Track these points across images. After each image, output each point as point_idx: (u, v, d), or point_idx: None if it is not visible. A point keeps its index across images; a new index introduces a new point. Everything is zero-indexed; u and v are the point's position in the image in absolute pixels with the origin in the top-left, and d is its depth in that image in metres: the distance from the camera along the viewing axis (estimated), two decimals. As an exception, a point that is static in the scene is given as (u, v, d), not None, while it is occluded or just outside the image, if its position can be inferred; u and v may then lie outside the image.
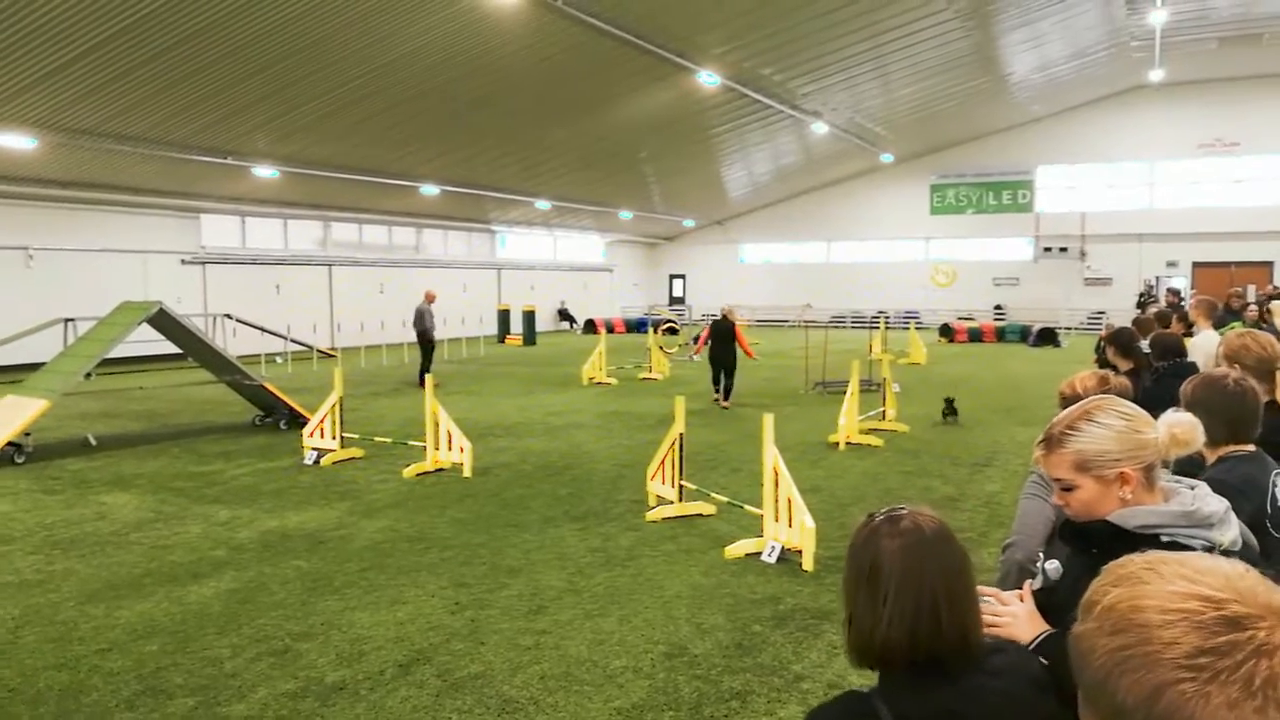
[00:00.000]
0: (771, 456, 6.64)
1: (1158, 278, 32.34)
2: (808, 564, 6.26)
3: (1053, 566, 1.97)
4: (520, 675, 4.67)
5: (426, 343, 18.01)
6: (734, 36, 18.59)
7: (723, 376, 14.72)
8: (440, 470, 9.63)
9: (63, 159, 18.71)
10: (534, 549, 6.85)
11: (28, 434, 10.37)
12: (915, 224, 37.89)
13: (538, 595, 5.84)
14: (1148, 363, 5.57)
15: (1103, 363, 6.55)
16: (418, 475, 9.46)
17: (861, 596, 1.59)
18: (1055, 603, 1.89)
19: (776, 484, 6.60)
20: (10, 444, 10.12)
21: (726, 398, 14.63)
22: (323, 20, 14.25)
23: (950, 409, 12.78)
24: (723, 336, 14.69)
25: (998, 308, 36.34)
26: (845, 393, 11.38)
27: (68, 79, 14.88)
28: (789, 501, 6.47)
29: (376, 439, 11.07)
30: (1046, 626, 1.86)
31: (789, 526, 6.47)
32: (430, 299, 18.45)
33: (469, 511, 8.03)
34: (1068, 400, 2.91)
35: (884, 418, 12.13)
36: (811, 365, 17.57)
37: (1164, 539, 1.76)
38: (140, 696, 4.48)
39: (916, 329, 25.30)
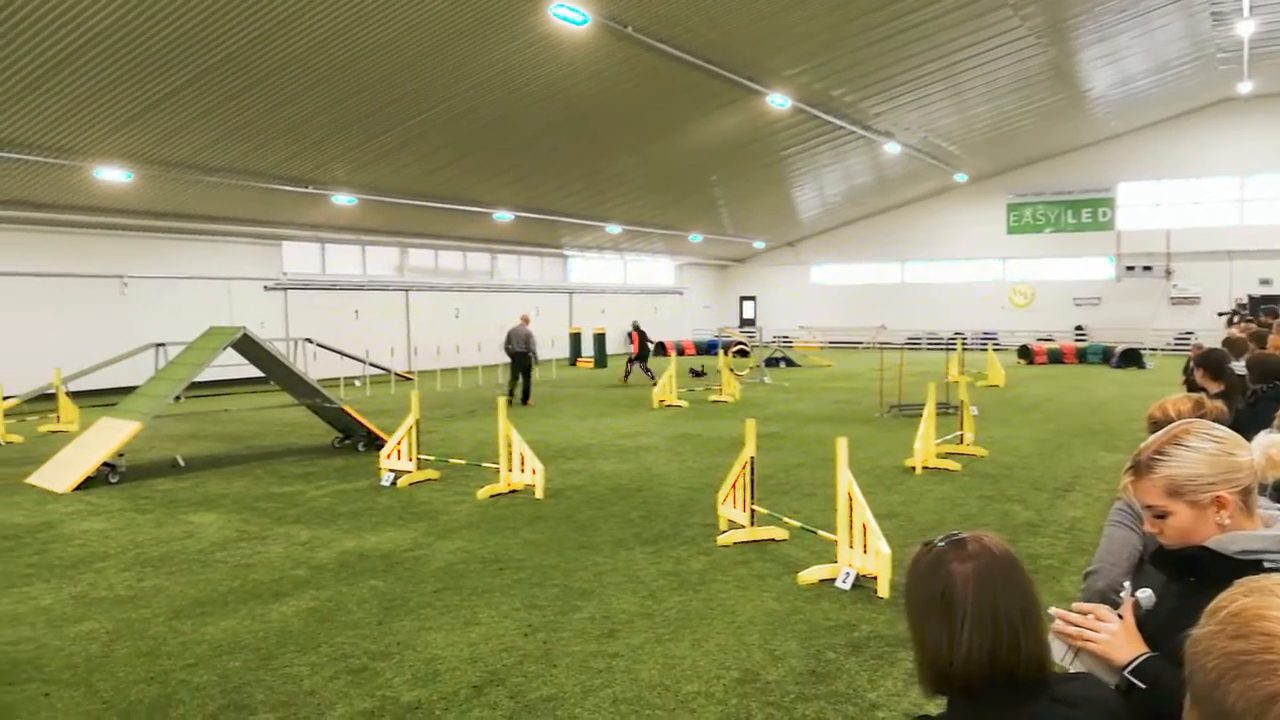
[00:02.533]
0: (846, 481, 6.56)
1: (1250, 297, 31.13)
2: (883, 591, 6.15)
3: (1146, 595, 1.90)
4: (592, 698, 4.67)
5: (526, 362, 18.84)
6: (804, 58, 18.56)
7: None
8: (513, 492, 9.73)
9: (155, 191, 19.51)
10: (606, 571, 6.87)
11: (121, 455, 10.78)
12: (991, 244, 37.18)
13: (609, 618, 5.84)
14: (1241, 385, 5.36)
15: (1190, 385, 6.32)
16: (491, 497, 9.57)
17: (933, 625, 1.56)
18: (1148, 633, 1.83)
19: (851, 509, 6.51)
20: (105, 464, 10.53)
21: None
22: (399, 52, 14.65)
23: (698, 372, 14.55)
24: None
25: (1078, 328, 35.38)
26: (921, 416, 11.19)
27: (160, 115, 15.55)
28: (864, 527, 6.37)
29: (451, 461, 11.24)
30: (1145, 648, 1.80)
31: (864, 552, 6.37)
32: (526, 322, 19.21)
33: (541, 533, 8.08)
34: (1158, 424, 2.82)
35: (961, 441, 11.89)
36: (886, 388, 17.32)
37: (1267, 565, 1.69)
38: (224, 711, 4.60)
39: (994, 350, 24.78)
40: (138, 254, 22.24)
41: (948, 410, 14.10)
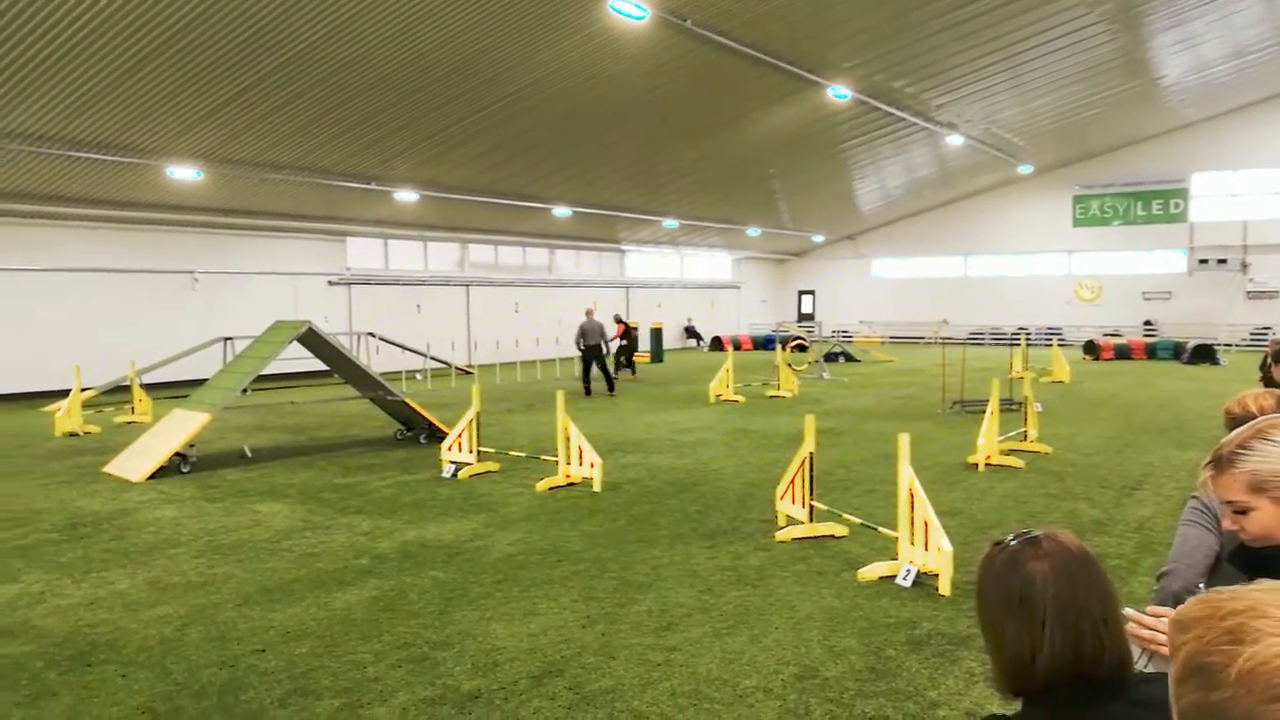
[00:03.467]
0: (907, 477, 6.48)
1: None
2: (944, 588, 6.06)
3: None
4: (650, 691, 4.68)
5: (600, 354, 19.41)
6: (865, 50, 18.33)
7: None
8: (571, 485, 9.79)
9: (224, 188, 20.00)
10: (663, 565, 6.88)
11: (192, 445, 11.08)
12: (1057, 237, 36.38)
13: (667, 612, 5.85)
14: (1322, 381, 5.16)
15: (1268, 380, 6.12)
16: (550, 489, 9.64)
17: (1012, 625, 1.53)
18: None
19: (912, 505, 6.43)
20: (177, 454, 10.84)
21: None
22: (459, 49, 14.80)
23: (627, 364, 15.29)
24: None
25: (1148, 323, 34.45)
26: (984, 412, 11.00)
27: (229, 114, 15.93)
28: (925, 524, 6.29)
29: (511, 453, 11.34)
30: None
31: (925, 550, 6.29)
32: (591, 314, 19.82)
33: (599, 526, 8.12)
34: (1237, 420, 2.73)
35: (1026, 438, 11.66)
36: (948, 383, 17.05)
37: None
38: (291, 696, 4.71)
39: (1059, 346, 24.24)
40: (208, 250, 22.84)
41: (1011, 406, 13.84)
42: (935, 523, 6.23)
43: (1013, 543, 1.59)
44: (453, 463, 10.66)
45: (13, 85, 13.48)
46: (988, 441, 10.61)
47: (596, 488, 9.52)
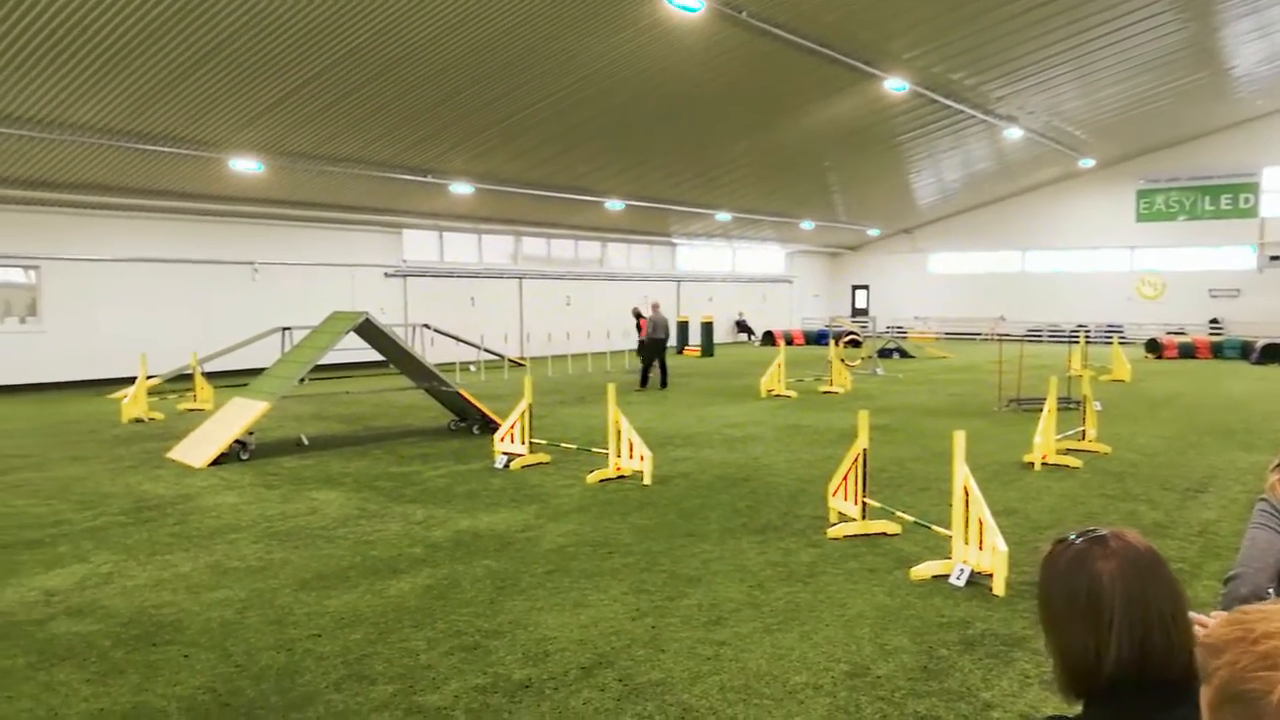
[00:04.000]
0: (962, 475, 6.39)
1: None
2: (999, 589, 5.97)
3: None
4: (700, 685, 4.69)
5: (665, 348, 19.70)
6: (923, 41, 18.06)
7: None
8: (621, 477, 9.82)
9: (283, 181, 20.37)
10: (713, 559, 6.87)
11: (251, 433, 11.33)
12: (1119, 232, 35.54)
13: (717, 606, 5.85)
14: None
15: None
16: (600, 482, 9.68)
17: (1077, 625, 1.50)
18: None
19: (967, 504, 6.35)
20: (237, 442, 11.09)
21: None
22: (514, 42, 14.88)
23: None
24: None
25: (1214, 321, 33.51)
26: (1042, 410, 10.80)
27: (288, 108, 16.22)
28: (980, 523, 6.20)
29: (562, 445, 11.41)
30: None
31: (979, 549, 6.20)
32: (657, 308, 20.05)
33: (649, 519, 8.14)
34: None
35: (1084, 438, 11.43)
36: (1005, 381, 16.78)
37: None
38: (346, 680, 4.79)
39: (1120, 343, 23.70)
40: (267, 241, 23.29)
41: (1069, 405, 13.57)
42: (990, 522, 6.14)
43: (1077, 541, 1.56)
44: (505, 454, 10.76)
45: (85, 79, 13.86)
46: (1045, 440, 10.42)
47: (647, 481, 9.53)
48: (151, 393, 16.36)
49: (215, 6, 12.22)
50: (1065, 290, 36.77)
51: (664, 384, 19.36)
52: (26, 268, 19.95)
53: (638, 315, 21.69)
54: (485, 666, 4.95)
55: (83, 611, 5.88)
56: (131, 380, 16.13)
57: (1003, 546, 6.01)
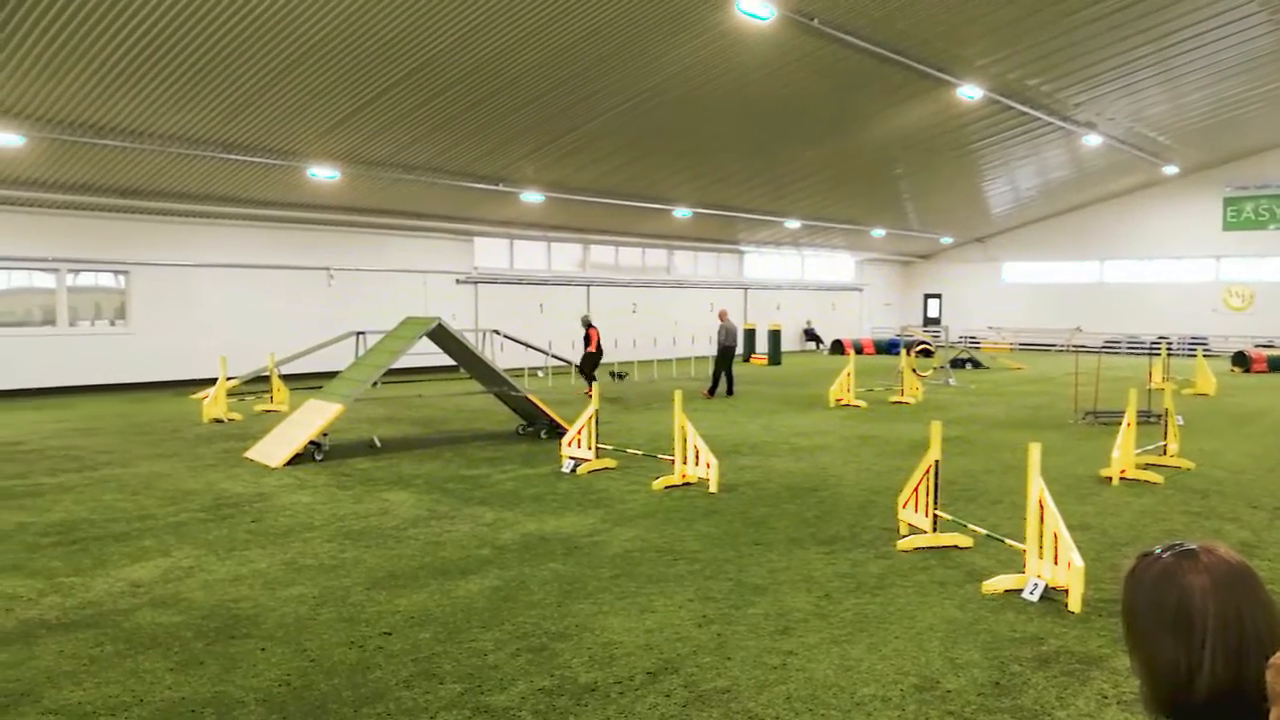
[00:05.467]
0: (1037, 488, 6.25)
1: None
2: (1074, 605, 5.82)
3: None
4: (766, 694, 4.66)
5: (732, 356, 19.69)
6: (999, 47, 17.73)
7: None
8: (687, 484, 9.82)
9: (359, 188, 20.84)
10: (780, 569, 6.83)
11: (326, 434, 11.60)
12: (1204, 241, 34.37)
13: (784, 616, 5.81)
14: None
15: None
16: (666, 488, 9.69)
17: (1167, 642, 1.43)
18: None
19: (1041, 518, 6.20)
20: (312, 443, 11.36)
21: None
22: (585, 53, 15.02)
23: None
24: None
25: (1306, 334, 32.19)
26: (1120, 424, 10.50)
27: (366, 117, 16.60)
28: (1055, 537, 6.06)
29: (628, 451, 11.45)
30: None
31: (1054, 564, 6.06)
32: (725, 316, 20.11)
33: (715, 527, 8.12)
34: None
35: (1165, 452, 11.07)
36: (1081, 393, 16.35)
37: None
38: (416, 679, 4.88)
39: (1204, 356, 22.91)
40: (342, 248, 23.85)
41: (1149, 419, 13.16)
42: (1066, 536, 5.99)
43: (1165, 555, 1.50)
44: (572, 458, 10.84)
45: (174, 92, 14.38)
46: (1123, 454, 10.13)
47: (713, 489, 9.51)
48: (230, 394, 16.85)
49: (299, 19, 12.58)
50: (1146, 301, 35.70)
51: (730, 392, 19.31)
52: (117, 272, 20.73)
53: (587, 324, 20.33)
54: (551, 669, 4.99)
55: (166, 603, 6.08)
56: (212, 381, 16.63)
57: (1079, 562, 5.86)
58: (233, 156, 17.36)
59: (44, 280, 19.92)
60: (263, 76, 14.27)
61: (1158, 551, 1.52)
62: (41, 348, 19.62)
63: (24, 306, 19.83)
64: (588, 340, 19.97)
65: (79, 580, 6.59)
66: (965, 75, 18.82)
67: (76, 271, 20.23)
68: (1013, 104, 21.09)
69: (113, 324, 20.86)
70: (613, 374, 22.42)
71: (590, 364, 19.72)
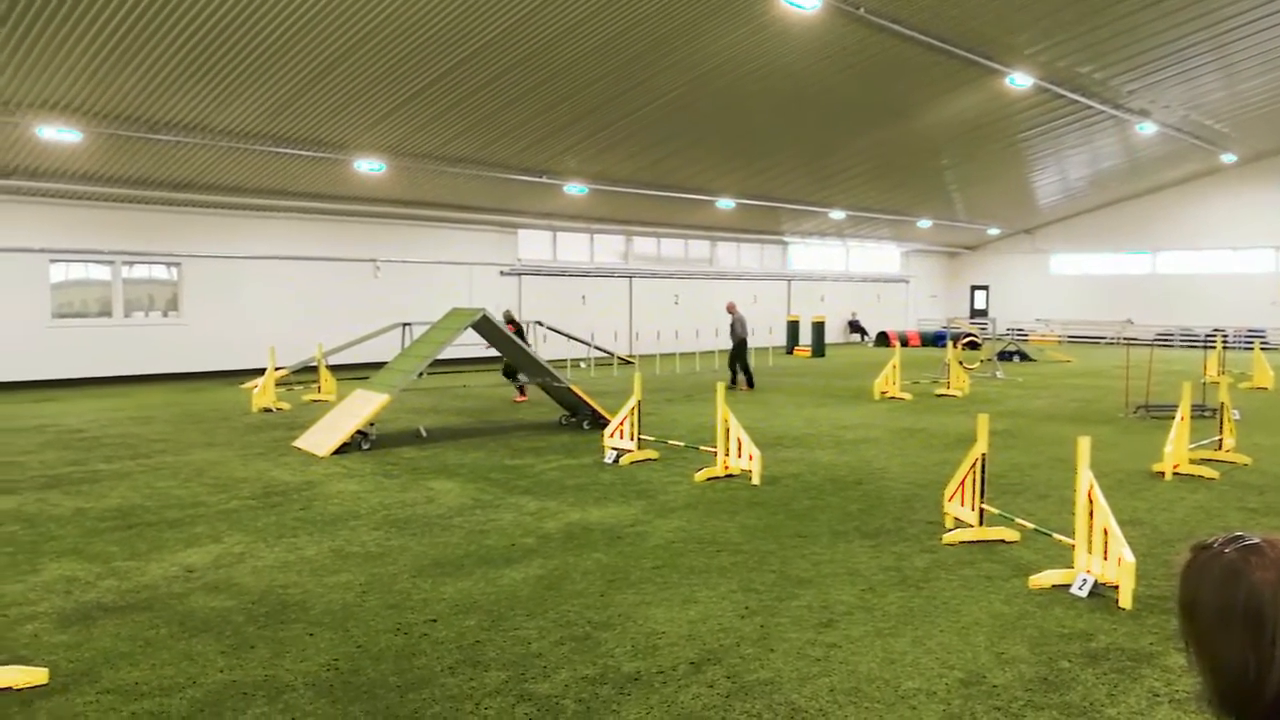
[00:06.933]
0: (1086, 482, 6.15)
1: None
2: (1125, 601, 5.72)
3: None
4: (809, 686, 4.64)
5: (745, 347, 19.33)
6: (1049, 34, 17.40)
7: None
8: (730, 476, 9.80)
9: (404, 181, 21.04)
10: (823, 562, 6.79)
11: (372, 424, 11.75)
12: (1263, 231, 33.48)
13: (828, 608, 5.78)
14: None
15: None
16: (708, 480, 9.68)
17: (1234, 641, 1.37)
18: None
19: (1091, 512, 6.10)
20: (359, 432, 11.51)
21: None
22: (628, 45, 15.01)
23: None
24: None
25: (1370, 327, 31.25)
26: (1173, 418, 10.29)
27: (412, 110, 16.75)
28: (1105, 532, 5.95)
29: (670, 442, 11.45)
30: None
31: (1104, 559, 5.96)
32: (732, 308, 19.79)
33: (758, 519, 8.10)
34: None
35: (1220, 447, 10.82)
36: (1133, 387, 16.03)
37: None
38: (460, 665, 4.93)
39: (1262, 349, 22.35)
40: (388, 240, 24.12)
41: (1204, 413, 12.88)
42: (1116, 531, 5.89)
43: (1227, 550, 1.45)
44: (614, 449, 10.87)
45: (226, 87, 14.62)
46: (1176, 449, 9.92)
47: (755, 481, 9.48)
48: (279, 384, 17.12)
49: (349, 12, 12.72)
50: (1201, 293, 34.88)
51: (750, 384, 19.10)
52: (169, 264, 21.15)
53: (508, 320, 16.53)
54: (595, 658, 5.02)
55: (218, 588, 6.21)
56: (261, 371, 16.92)
57: (1130, 557, 5.76)
58: (282, 150, 17.63)
59: (100, 272, 20.39)
60: (312, 70, 14.45)
61: (1216, 545, 1.47)
62: (99, 338, 20.10)
63: (81, 298, 20.33)
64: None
65: (135, 564, 6.76)
66: (1015, 63, 18.50)
67: (131, 264, 20.68)
68: (1063, 92, 20.70)
69: (165, 315, 21.30)
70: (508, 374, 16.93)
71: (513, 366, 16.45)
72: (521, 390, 16.63)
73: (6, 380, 18.74)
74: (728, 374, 19.38)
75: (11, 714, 4.33)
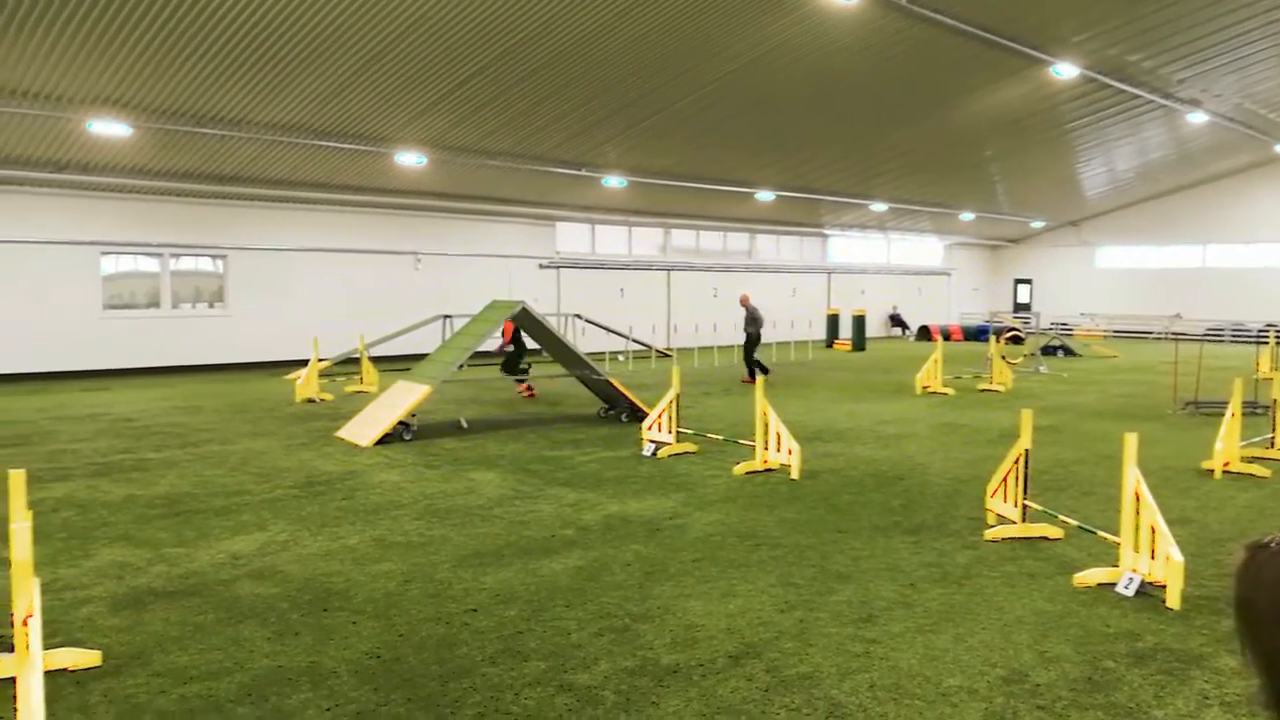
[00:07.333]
0: (1133, 479, 6.04)
1: None
2: (1173, 601, 5.62)
3: None
4: (849, 681, 4.63)
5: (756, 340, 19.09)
6: (1096, 22, 17.07)
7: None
8: (769, 470, 9.76)
9: (444, 174, 21.19)
10: (863, 557, 6.75)
11: (414, 415, 11.86)
12: (1319, 224, 32.67)
13: (868, 604, 5.75)
14: None
15: None
16: (747, 473, 9.66)
17: None
18: None
19: (1138, 510, 6.00)
20: (401, 423, 11.64)
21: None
22: (669, 37, 14.96)
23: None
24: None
25: None
26: (1223, 414, 10.08)
27: (453, 103, 16.86)
28: (1152, 530, 5.85)
29: (709, 435, 11.44)
30: None
31: (1151, 558, 5.86)
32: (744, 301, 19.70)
33: (797, 513, 8.07)
34: None
35: (1273, 445, 10.59)
36: (1181, 383, 15.74)
37: None
38: (500, 655, 4.97)
39: (1317, 345, 21.81)
40: (429, 232, 24.32)
41: (1256, 410, 12.61)
42: (1164, 529, 5.79)
43: None
44: (653, 442, 10.88)
45: (271, 81, 14.82)
46: (1227, 446, 9.72)
47: (795, 475, 9.44)
48: (322, 375, 17.35)
49: (389, 8, 12.82)
50: (1254, 287, 34.10)
51: (751, 379, 18.41)
52: (215, 257, 21.51)
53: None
54: (634, 649, 5.04)
55: (263, 575, 6.32)
56: (305, 362, 17.14)
57: (1178, 556, 5.66)
58: (325, 143, 17.84)
59: (148, 264, 20.79)
60: (355, 65, 14.60)
61: (1274, 544, 1.44)
62: (147, 329, 20.51)
63: (131, 290, 20.74)
64: (504, 334, 16.29)
65: (183, 551, 6.89)
66: (1061, 53, 18.19)
67: (178, 256, 21.06)
68: (1111, 81, 20.31)
69: (211, 306, 21.66)
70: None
71: (513, 362, 16.47)
72: (529, 388, 16.49)
73: (61, 369, 19.18)
74: (744, 370, 19.14)
75: (67, 695, 4.45)
